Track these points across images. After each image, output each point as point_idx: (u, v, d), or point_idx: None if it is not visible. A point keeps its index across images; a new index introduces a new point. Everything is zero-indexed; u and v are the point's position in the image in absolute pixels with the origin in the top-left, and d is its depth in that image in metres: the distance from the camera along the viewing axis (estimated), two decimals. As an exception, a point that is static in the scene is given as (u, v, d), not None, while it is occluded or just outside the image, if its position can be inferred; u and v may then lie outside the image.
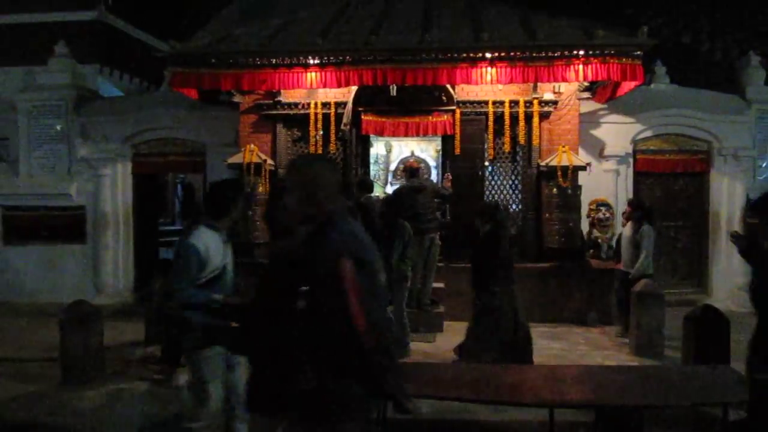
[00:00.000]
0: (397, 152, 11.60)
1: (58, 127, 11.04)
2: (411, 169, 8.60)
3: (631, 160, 10.37)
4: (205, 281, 3.81)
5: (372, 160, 10.31)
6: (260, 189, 9.27)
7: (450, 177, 9.09)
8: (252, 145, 9.40)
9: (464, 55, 8.34)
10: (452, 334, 7.96)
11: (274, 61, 8.59)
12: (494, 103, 9.32)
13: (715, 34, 14.56)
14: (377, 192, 10.80)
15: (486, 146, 9.49)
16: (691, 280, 10.62)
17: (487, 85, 8.91)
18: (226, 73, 8.69)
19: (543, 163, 9.14)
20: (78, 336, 6.07)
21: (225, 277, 3.93)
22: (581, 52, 8.19)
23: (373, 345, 2.32)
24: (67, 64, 11.32)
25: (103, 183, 10.88)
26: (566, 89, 9.40)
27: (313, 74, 8.59)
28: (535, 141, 9.32)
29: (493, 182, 9.72)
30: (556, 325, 8.59)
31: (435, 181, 9.70)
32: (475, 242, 6.74)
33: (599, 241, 9.26)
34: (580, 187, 9.05)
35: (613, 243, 9.46)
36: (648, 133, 10.38)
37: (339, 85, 8.76)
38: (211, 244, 3.83)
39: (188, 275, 3.75)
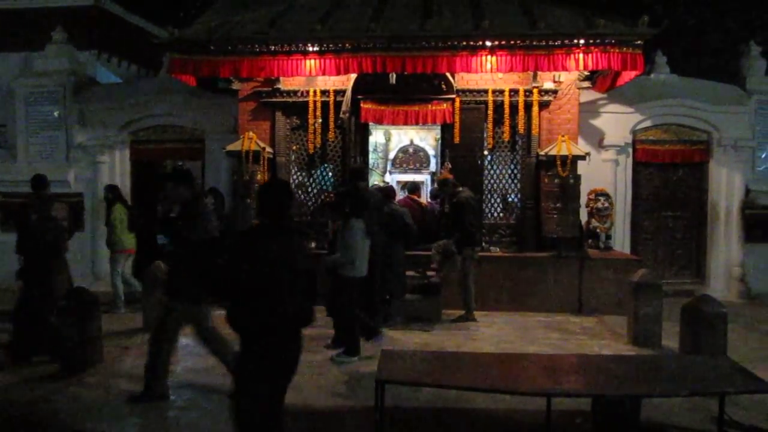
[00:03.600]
0: (396, 141, 11.61)
1: (56, 114, 11.00)
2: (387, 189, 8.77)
3: (630, 150, 10.36)
4: None
5: (371, 149, 10.31)
6: (258, 177, 9.25)
7: (449, 166, 9.09)
8: (251, 133, 9.37)
9: (464, 43, 8.31)
10: (450, 324, 8.02)
11: (272, 48, 8.55)
12: (494, 91, 9.29)
13: (715, 22, 14.52)
14: (376, 180, 10.82)
15: (485, 135, 9.47)
16: (688, 270, 10.63)
17: (486, 73, 8.88)
18: (224, 60, 8.66)
19: (542, 153, 9.11)
20: (76, 323, 6.06)
21: None
22: (581, 41, 8.17)
23: None
24: (65, 50, 11.26)
25: (101, 170, 10.85)
26: (566, 78, 9.36)
27: (312, 61, 8.56)
28: (535, 130, 9.30)
29: (492, 171, 9.70)
30: (554, 315, 8.61)
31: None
32: None
33: (598, 230, 9.27)
34: (579, 176, 9.04)
35: (612, 233, 9.51)
36: (647, 123, 10.36)
37: (338, 73, 8.73)
38: None
39: None
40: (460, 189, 8.26)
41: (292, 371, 3.59)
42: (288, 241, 3.61)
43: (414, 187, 9.98)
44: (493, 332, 7.73)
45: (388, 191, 8.62)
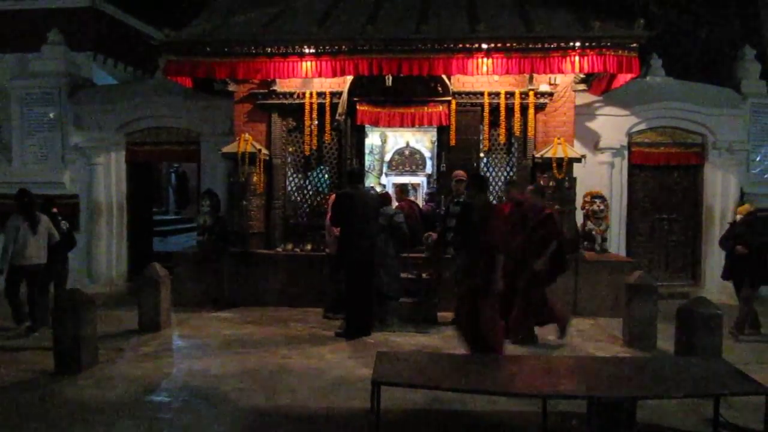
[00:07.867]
0: (392, 143, 11.62)
1: (52, 115, 10.98)
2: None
3: (626, 152, 10.38)
4: None
5: (367, 151, 10.30)
6: (254, 179, 9.24)
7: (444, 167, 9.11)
8: (247, 135, 9.36)
9: (460, 45, 8.30)
10: (446, 326, 8.01)
11: (269, 49, 8.53)
12: (490, 94, 9.30)
13: (711, 25, 14.58)
14: (372, 182, 10.82)
15: (481, 137, 9.47)
16: (684, 272, 10.66)
17: (482, 76, 8.90)
18: (220, 61, 8.63)
19: (538, 155, 9.13)
20: (71, 324, 6.05)
21: None
22: (577, 44, 8.16)
23: None
24: (61, 51, 11.24)
25: (96, 171, 10.83)
26: (562, 81, 9.38)
27: (309, 63, 8.55)
28: (531, 133, 9.32)
29: (488, 174, 9.70)
30: (550, 317, 8.61)
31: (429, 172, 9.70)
32: None
33: (593, 233, 9.28)
34: (574, 179, 9.06)
35: (607, 235, 9.51)
36: (643, 126, 10.39)
37: (334, 75, 8.72)
38: None
39: None
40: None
41: None
42: None
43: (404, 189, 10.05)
44: (488, 334, 7.71)
45: (384, 198, 8.68)
